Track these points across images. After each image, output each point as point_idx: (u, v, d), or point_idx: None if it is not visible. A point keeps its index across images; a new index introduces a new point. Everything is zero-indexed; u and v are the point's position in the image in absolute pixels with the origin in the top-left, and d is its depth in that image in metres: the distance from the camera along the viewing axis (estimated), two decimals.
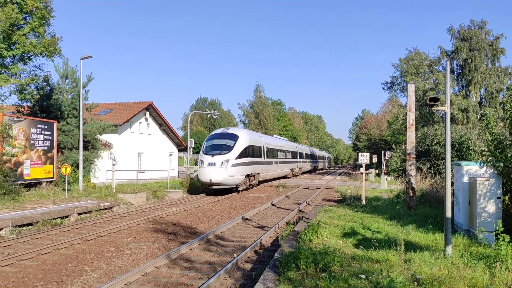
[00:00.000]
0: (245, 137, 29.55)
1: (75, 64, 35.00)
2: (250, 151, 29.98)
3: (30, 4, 19.62)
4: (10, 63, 20.49)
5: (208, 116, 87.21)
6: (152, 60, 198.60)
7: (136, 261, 10.43)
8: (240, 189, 28.88)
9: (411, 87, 17.53)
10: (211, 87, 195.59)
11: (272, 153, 37.88)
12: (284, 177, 45.09)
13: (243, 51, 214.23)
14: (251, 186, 31.60)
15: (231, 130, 30.79)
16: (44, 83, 25.73)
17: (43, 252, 11.06)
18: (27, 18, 20.44)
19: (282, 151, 42.69)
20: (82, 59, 23.38)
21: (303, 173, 58.44)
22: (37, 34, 20.68)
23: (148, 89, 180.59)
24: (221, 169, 26.24)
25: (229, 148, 27.45)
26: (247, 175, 29.62)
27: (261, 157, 33.38)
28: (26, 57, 20.89)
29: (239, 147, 27.95)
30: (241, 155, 27.98)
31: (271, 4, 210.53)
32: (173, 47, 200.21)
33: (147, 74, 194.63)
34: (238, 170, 27.60)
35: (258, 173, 32.84)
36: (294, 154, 49.81)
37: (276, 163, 39.28)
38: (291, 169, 47.49)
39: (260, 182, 34.81)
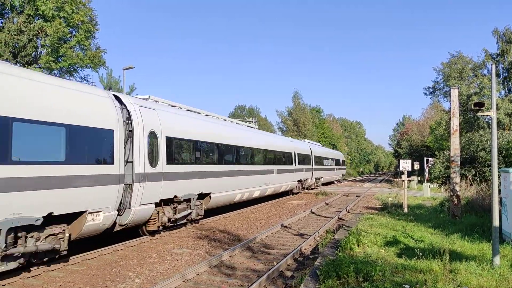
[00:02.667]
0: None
1: (119, 75, 36.04)
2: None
3: (76, 18, 20.45)
4: (58, 75, 21.37)
5: (247, 123, 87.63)
6: (189, 68, 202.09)
7: (177, 267, 10.60)
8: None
9: (454, 92, 17.07)
10: (249, 94, 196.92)
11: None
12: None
13: (281, 57, 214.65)
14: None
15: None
16: None
17: (88, 257, 11.41)
18: (74, 31, 21.29)
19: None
20: (124, 69, 24.07)
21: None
22: (82, 46, 21.50)
23: (187, 97, 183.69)
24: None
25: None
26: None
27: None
28: (72, 69, 21.74)
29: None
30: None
31: (309, 7, 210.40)
32: (209, 56, 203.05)
33: (185, 82, 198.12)
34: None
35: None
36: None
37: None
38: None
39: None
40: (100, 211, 11.09)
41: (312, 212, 22.02)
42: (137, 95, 15.86)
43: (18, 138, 8.80)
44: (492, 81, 8.76)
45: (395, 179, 50.56)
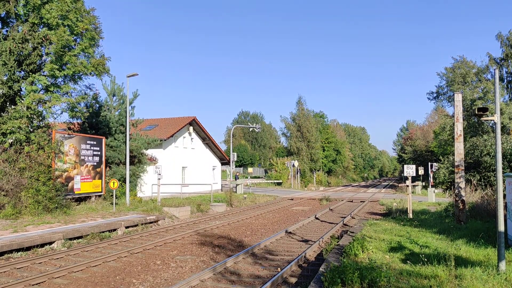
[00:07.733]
0: None
1: (122, 82, 36.14)
2: None
3: (81, 26, 20.52)
4: (62, 83, 21.44)
5: (251, 129, 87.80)
6: (193, 75, 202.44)
7: (181, 274, 10.58)
8: None
9: (458, 97, 17.03)
10: (253, 100, 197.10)
11: None
12: None
13: (284, 63, 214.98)
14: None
15: None
16: (93, 101, 26.83)
17: (92, 264, 11.40)
18: (78, 39, 21.35)
19: None
20: (128, 77, 24.18)
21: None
22: (87, 54, 21.56)
23: (191, 104, 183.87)
24: None
25: None
26: None
27: None
28: (76, 77, 21.78)
29: None
30: None
31: (313, 16, 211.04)
32: (214, 62, 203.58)
33: (189, 89, 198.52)
34: None
35: None
36: None
37: None
38: None
39: None
40: None
41: (317, 218, 21.97)
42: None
43: None
44: (495, 85, 8.74)
45: (400, 185, 50.40)
